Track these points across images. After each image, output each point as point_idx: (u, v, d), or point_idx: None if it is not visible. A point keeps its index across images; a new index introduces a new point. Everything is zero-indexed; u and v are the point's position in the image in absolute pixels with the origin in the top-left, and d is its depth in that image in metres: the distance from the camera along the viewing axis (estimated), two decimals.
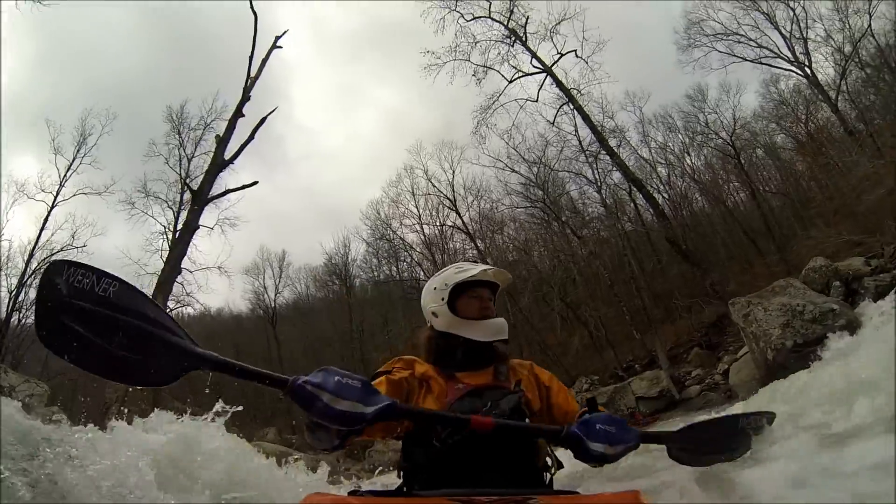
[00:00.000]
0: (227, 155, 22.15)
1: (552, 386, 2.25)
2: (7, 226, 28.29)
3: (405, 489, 1.95)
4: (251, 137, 22.51)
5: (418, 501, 1.70)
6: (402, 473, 1.99)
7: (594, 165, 28.92)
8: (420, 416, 1.82)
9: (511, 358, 2.25)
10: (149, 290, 21.40)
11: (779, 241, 27.60)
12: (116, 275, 1.69)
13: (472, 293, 2.29)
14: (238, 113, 22.56)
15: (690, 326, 22.30)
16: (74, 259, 1.68)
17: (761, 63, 28.59)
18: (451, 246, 35.51)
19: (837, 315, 10.19)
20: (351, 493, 1.70)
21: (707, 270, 21.58)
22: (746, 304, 11.47)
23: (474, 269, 2.28)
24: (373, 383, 1.81)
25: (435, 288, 2.29)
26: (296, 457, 7.36)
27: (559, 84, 25.24)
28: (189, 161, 25.68)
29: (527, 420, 1.97)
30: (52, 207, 26.99)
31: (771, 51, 27.93)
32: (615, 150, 25.70)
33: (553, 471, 2.00)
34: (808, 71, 27.15)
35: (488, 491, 1.53)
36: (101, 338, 1.55)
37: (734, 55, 28.50)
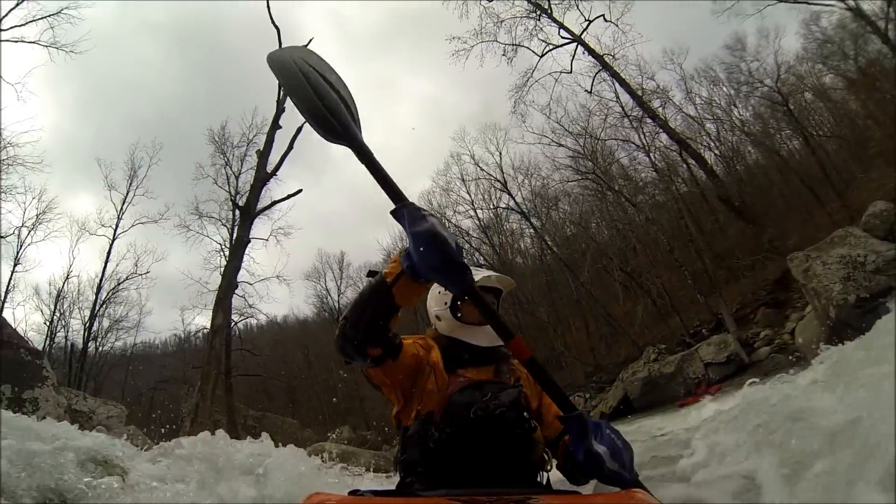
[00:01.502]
0: (270, 167, 22.61)
1: None
2: (75, 262, 29.93)
3: (405, 485, 1.95)
4: (290, 147, 22.95)
5: (418, 501, 1.70)
6: (400, 468, 2.00)
7: (640, 130, 28.38)
8: (476, 297, 1.73)
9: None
10: (210, 308, 22.14)
11: (838, 187, 26.52)
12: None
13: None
14: (275, 125, 22.98)
15: (755, 285, 21.67)
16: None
17: (798, 1, 27.20)
18: (507, 227, 35.52)
19: None
20: (351, 493, 1.68)
21: (764, 226, 21.01)
22: (805, 259, 11.06)
23: (477, 275, 2.19)
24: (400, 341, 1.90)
25: (439, 292, 2.27)
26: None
27: (591, 52, 24.93)
28: (237, 178, 26.67)
29: (525, 414, 1.93)
30: (114, 240, 29.13)
31: None
32: (659, 111, 25.22)
33: (549, 467, 2.00)
34: (852, 2, 25.77)
35: (488, 491, 1.53)
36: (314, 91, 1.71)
37: None
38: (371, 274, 1.80)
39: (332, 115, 1.69)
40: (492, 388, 1.97)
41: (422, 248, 1.49)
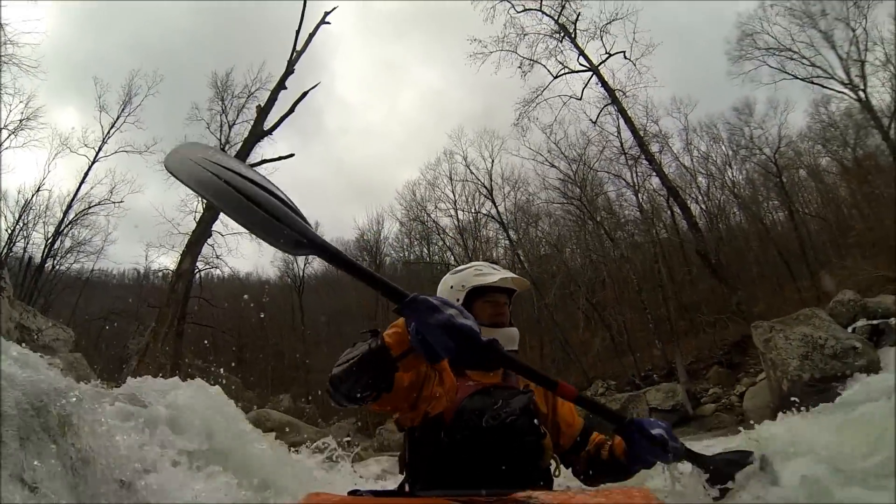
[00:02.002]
0: (267, 125, 22.56)
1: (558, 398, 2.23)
2: (49, 176, 29.19)
3: (407, 487, 1.96)
4: (291, 111, 22.96)
5: (418, 501, 1.71)
6: (405, 470, 2.01)
7: (634, 169, 28.75)
8: (514, 365, 1.73)
9: (521, 357, 2.12)
10: (176, 250, 21.99)
11: (812, 267, 27.19)
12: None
13: (489, 298, 2.28)
14: (280, 85, 22.91)
15: (713, 343, 22.14)
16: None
17: (813, 82, 27.67)
18: (484, 234, 35.59)
19: (859, 354, 10.11)
20: (351, 493, 1.69)
21: (735, 288, 21.42)
22: (769, 329, 11.39)
23: (494, 276, 2.26)
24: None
25: (451, 286, 2.27)
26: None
27: (604, 84, 25.18)
28: (230, 128, 26.59)
29: (535, 421, 1.94)
30: (94, 162, 28.51)
31: (825, 71, 26.98)
32: (656, 155, 25.58)
33: (557, 473, 2.05)
34: (863, 95, 26.33)
35: (488, 491, 1.53)
36: (251, 202, 1.49)
37: (785, 72, 27.81)
38: (371, 333, 1.71)
39: (290, 225, 1.51)
40: (502, 394, 1.97)
41: (445, 341, 1.43)
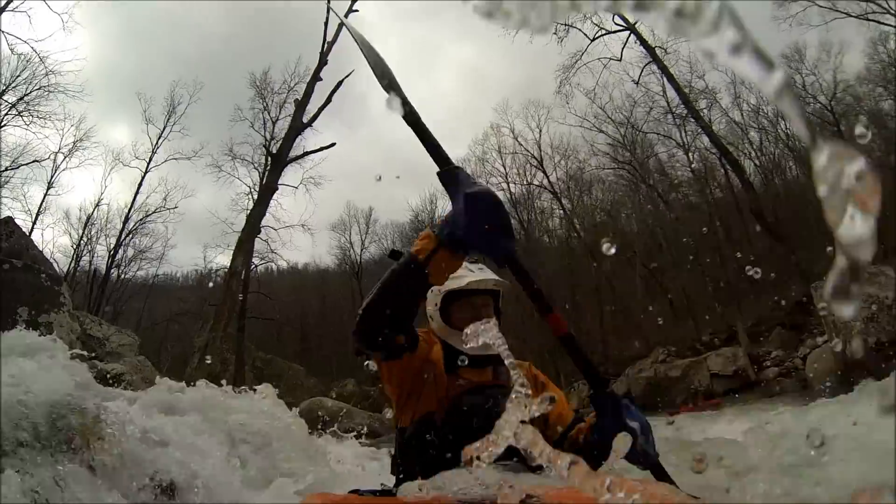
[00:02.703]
0: (306, 118, 22.71)
1: (548, 387, 2.21)
2: (106, 191, 30.77)
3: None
4: (328, 101, 23.23)
5: (418, 501, 1.63)
6: (397, 470, 2.00)
7: (683, 128, 28.06)
8: (518, 268, 1.70)
9: (524, 361, 2.17)
10: (232, 249, 22.59)
11: (879, 220, 26.03)
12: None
13: (466, 301, 2.20)
14: (316, 77, 23.17)
15: (775, 304, 21.47)
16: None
17: (868, 19, 26.19)
18: (538, 205, 35.41)
19: None
20: (351, 493, 1.67)
21: (794, 247, 20.67)
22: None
23: (465, 279, 2.16)
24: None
25: (431, 290, 2.17)
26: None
27: (643, 42, 24.56)
28: (274, 124, 27.14)
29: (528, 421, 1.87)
30: (146, 173, 30.04)
31: (880, 5, 25.65)
32: (704, 112, 24.91)
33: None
34: None
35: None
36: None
37: (837, 10, 26.07)
38: (394, 255, 1.77)
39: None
40: (493, 392, 1.94)
41: (479, 209, 1.47)
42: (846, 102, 30.06)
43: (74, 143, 28.65)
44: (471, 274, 2.18)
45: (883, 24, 26.15)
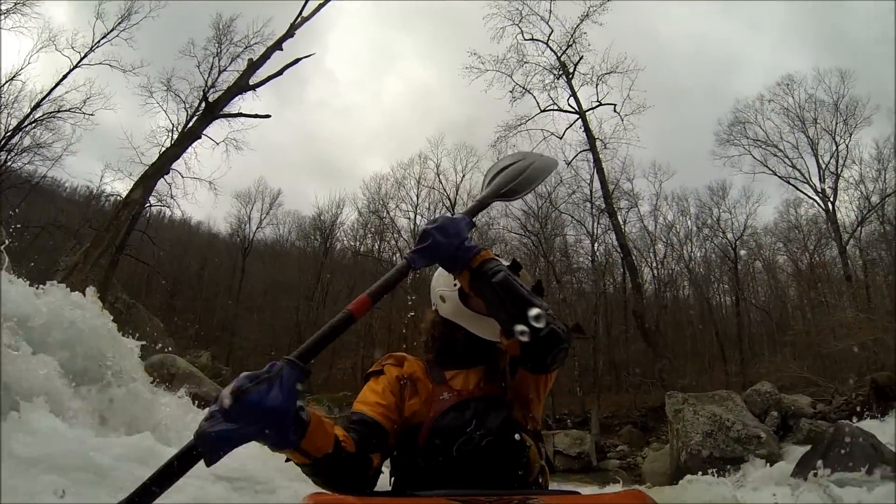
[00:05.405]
0: (254, 81, 22.24)
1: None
2: (27, 67, 27.93)
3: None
4: (280, 73, 22.61)
5: (418, 501, 1.61)
6: (392, 483, 1.87)
7: (597, 219, 29.28)
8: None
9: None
10: (132, 178, 21.50)
11: (745, 354, 27.89)
12: None
13: None
14: (277, 45, 22.62)
15: (633, 403, 22.41)
16: None
17: (788, 182, 29.10)
18: None
19: (762, 443, 10.29)
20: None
21: (662, 356, 21.67)
22: (681, 401, 11.58)
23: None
24: (370, 384, 1.84)
25: (441, 273, 2.07)
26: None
27: (588, 130, 25.60)
28: (219, 73, 25.96)
29: (517, 437, 1.72)
30: (75, 66, 27.14)
31: (802, 174, 28.54)
32: (622, 211, 26.08)
33: (544, 482, 1.83)
34: (831, 207, 27.55)
35: (488, 492, 1.48)
36: None
37: (766, 165, 29.10)
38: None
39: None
40: (478, 406, 1.79)
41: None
42: (749, 246, 32.23)
43: (16, 3, 25.60)
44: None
45: (799, 191, 29.01)
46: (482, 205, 1.93)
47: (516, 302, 1.59)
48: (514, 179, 2.00)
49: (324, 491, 1.51)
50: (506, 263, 1.84)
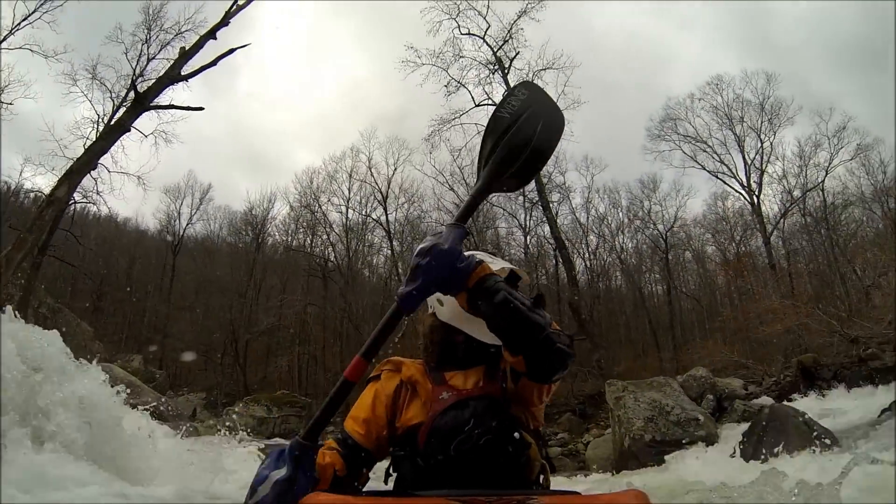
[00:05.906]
0: (186, 71, 21.46)
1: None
2: None
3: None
4: (214, 63, 21.78)
5: (418, 501, 1.60)
6: (393, 483, 1.85)
7: (529, 212, 29.64)
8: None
9: None
10: (55, 174, 20.40)
11: (678, 340, 28.77)
12: None
13: None
14: (211, 34, 21.74)
15: (570, 392, 22.76)
16: None
17: (716, 177, 30.60)
18: (369, 238, 35.86)
19: (700, 425, 10.62)
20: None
21: (598, 346, 22.10)
22: (621, 388, 11.86)
23: (496, 265, 1.95)
24: (365, 392, 1.88)
25: None
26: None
27: None
28: (148, 61, 24.45)
29: (516, 435, 1.71)
30: None
31: (729, 169, 30.04)
32: (554, 204, 26.44)
33: (545, 482, 1.82)
34: (756, 200, 28.90)
35: (488, 491, 1.48)
36: None
37: (696, 160, 30.38)
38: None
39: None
40: (477, 406, 1.76)
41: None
42: (679, 236, 33.24)
43: None
44: (496, 261, 2.04)
45: (727, 185, 30.51)
46: (477, 201, 1.86)
47: (518, 323, 1.55)
48: (520, 154, 1.83)
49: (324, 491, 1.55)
50: (507, 267, 1.88)
